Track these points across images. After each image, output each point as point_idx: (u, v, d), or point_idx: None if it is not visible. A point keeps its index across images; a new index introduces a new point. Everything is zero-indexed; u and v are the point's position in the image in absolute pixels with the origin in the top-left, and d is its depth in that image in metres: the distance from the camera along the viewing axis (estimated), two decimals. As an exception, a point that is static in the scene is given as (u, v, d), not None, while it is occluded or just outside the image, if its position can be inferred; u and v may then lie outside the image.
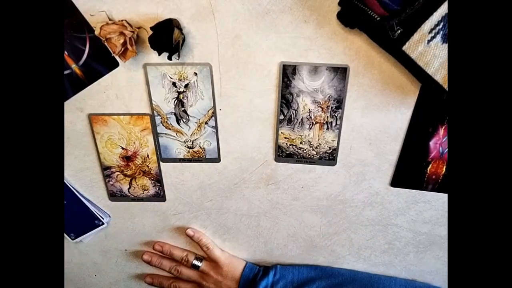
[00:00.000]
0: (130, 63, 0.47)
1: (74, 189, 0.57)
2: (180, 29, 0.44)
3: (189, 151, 0.54)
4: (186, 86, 0.49)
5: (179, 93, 0.49)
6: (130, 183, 0.57)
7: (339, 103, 0.48)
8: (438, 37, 0.38)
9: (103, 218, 0.59)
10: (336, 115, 0.49)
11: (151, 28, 0.42)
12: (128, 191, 0.58)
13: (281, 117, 0.50)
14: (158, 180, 0.57)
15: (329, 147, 0.51)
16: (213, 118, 0.51)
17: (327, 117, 0.49)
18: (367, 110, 0.48)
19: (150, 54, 0.46)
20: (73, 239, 0.61)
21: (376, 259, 0.61)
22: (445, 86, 0.40)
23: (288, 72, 0.46)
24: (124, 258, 0.66)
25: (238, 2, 0.43)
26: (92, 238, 0.63)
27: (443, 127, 0.48)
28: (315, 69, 0.46)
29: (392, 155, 0.51)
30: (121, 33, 0.43)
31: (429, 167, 0.51)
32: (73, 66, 0.47)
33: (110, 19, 0.44)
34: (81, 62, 0.47)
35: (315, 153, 0.52)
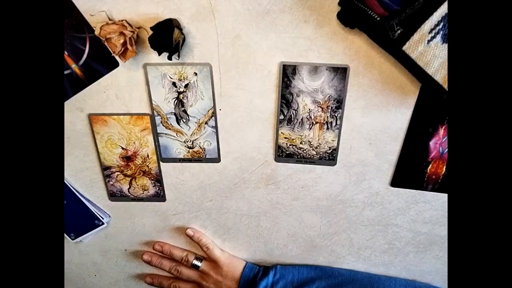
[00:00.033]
0: (130, 63, 0.47)
1: (74, 189, 0.57)
2: (180, 29, 0.44)
3: (189, 151, 0.54)
4: (186, 86, 0.49)
5: (179, 93, 0.49)
6: (130, 183, 0.57)
7: (339, 103, 0.48)
8: (438, 37, 0.38)
9: (103, 218, 0.59)
10: (336, 115, 0.49)
11: (151, 28, 0.42)
12: (128, 191, 0.58)
13: (281, 117, 0.50)
14: (158, 180, 0.57)
15: (329, 147, 0.51)
16: (213, 118, 0.51)
17: (327, 117, 0.49)
18: (367, 110, 0.48)
19: (150, 54, 0.46)
20: (73, 239, 0.61)
21: (376, 259, 0.61)
22: (445, 86, 0.40)
23: (288, 72, 0.46)
24: (124, 258, 0.66)
25: (238, 2, 0.43)
26: (92, 238, 0.63)
27: (443, 127, 0.48)
28: (315, 69, 0.46)
29: (392, 155, 0.51)
30: (121, 33, 0.43)
31: (429, 167, 0.51)
32: (73, 66, 0.47)
33: (110, 19, 0.44)
34: (81, 62, 0.47)
35: (315, 153, 0.52)
